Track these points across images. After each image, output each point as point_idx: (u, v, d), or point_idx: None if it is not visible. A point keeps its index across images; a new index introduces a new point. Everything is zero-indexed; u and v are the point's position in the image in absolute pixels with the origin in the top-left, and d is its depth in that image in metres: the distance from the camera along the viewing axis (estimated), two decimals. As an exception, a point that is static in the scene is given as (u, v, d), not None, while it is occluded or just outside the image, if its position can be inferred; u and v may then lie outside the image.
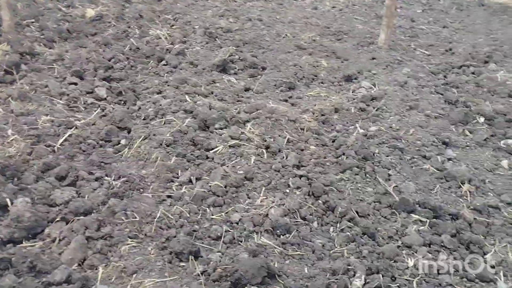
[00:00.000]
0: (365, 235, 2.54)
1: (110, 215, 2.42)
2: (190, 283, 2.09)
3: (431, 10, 7.32)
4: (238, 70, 4.56)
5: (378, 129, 3.58)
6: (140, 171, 2.89)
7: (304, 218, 2.65)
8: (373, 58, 5.03)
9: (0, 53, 3.97)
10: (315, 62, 4.89)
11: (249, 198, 2.77)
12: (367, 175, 3.06)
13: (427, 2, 7.70)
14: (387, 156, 3.25)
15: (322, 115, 3.79)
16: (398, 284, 2.19)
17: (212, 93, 3.98)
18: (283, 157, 3.14)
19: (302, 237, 2.52)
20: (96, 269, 2.14)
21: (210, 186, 2.79)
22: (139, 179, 2.79)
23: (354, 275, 2.21)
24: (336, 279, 2.19)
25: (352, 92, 4.23)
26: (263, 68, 4.67)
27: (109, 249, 2.25)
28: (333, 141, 3.42)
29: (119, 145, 3.18)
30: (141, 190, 2.72)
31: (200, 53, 4.80)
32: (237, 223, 2.56)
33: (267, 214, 2.61)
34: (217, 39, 5.17)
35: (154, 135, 3.22)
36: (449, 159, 3.27)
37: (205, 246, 2.38)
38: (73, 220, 2.37)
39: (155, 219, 2.46)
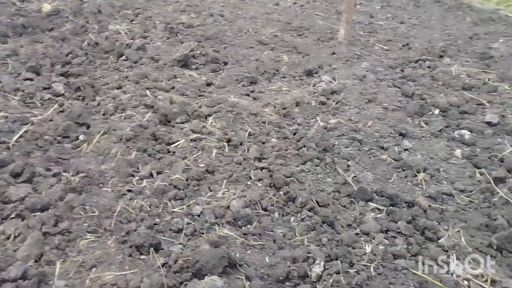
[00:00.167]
0: (325, 224, 2.59)
1: (68, 210, 2.38)
2: (150, 275, 2.08)
3: (389, 7, 7.50)
4: (200, 65, 4.55)
5: (338, 121, 3.65)
6: (100, 166, 2.85)
7: (265, 209, 2.68)
8: (333, 53, 5.11)
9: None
10: (277, 57, 4.94)
11: (210, 190, 2.77)
12: (327, 166, 3.12)
13: (386, -1, 7.90)
14: (346, 148, 3.32)
15: (284, 108, 3.83)
16: (356, 270, 2.25)
17: (173, 88, 3.96)
18: (245, 150, 3.17)
19: (264, 228, 2.55)
20: (54, 264, 2.10)
21: (171, 179, 2.78)
22: (99, 174, 2.75)
23: (313, 262, 2.26)
24: (296, 267, 2.23)
25: (313, 86, 4.29)
26: (225, 63, 4.68)
27: (67, 245, 2.22)
28: (294, 134, 3.47)
29: (78, 140, 3.12)
30: (101, 185, 2.68)
31: (161, 48, 4.76)
32: (199, 216, 2.56)
33: (228, 206, 2.62)
34: (178, 34, 5.14)
35: (114, 130, 3.18)
36: (406, 150, 3.37)
37: (166, 239, 2.38)
38: (29, 217, 2.32)
39: (115, 213, 2.44)
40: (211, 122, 3.42)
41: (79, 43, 4.48)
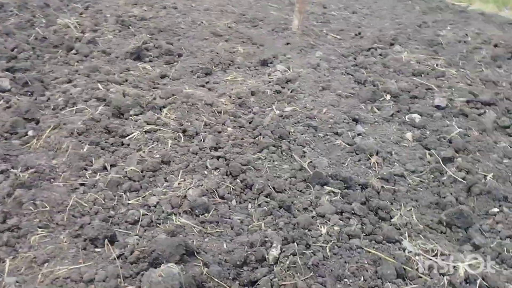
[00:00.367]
0: (282, 208, 2.62)
1: (16, 206, 2.30)
2: (106, 267, 2.05)
3: (342, -2, 7.63)
4: (154, 57, 4.49)
5: (293, 109, 3.68)
6: (50, 162, 2.77)
7: (222, 197, 2.68)
8: (288, 43, 5.16)
9: None
10: (232, 48, 4.93)
11: (166, 181, 2.75)
12: (283, 153, 3.15)
13: (338, -10, 8.02)
14: (302, 134, 3.37)
15: (239, 98, 3.83)
16: (312, 251, 2.29)
17: (126, 80, 3.89)
18: (201, 140, 3.15)
19: (221, 215, 2.55)
20: (3, 261, 2.03)
21: (125, 172, 2.74)
22: (49, 169, 2.67)
23: (271, 246, 2.28)
24: (253, 251, 2.24)
25: (268, 76, 4.31)
26: (179, 55, 4.63)
27: (16, 241, 2.14)
28: (250, 123, 3.48)
29: (27, 136, 3.01)
30: (52, 180, 2.61)
31: (113, 41, 4.66)
32: (155, 206, 2.54)
33: (185, 196, 2.61)
34: (130, 27, 5.05)
35: (64, 124, 3.09)
36: (359, 134, 3.45)
37: (122, 230, 2.34)
38: (-25, 215, 2.23)
39: (67, 208, 2.38)
40: (166, 114, 3.38)
41: (25, 37, 4.32)
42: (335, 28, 5.86)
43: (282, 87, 4.06)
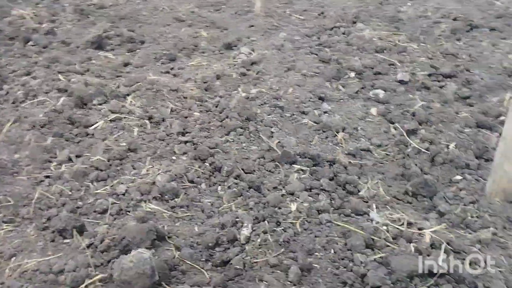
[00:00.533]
0: (251, 189, 2.64)
1: (-21, 203, 2.25)
2: (75, 257, 2.03)
3: (304, -22, 7.61)
4: (115, 45, 4.41)
5: (259, 91, 3.69)
6: (12, 156, 2.71)
7: (191, 181, 2.68)
8: (251, 26, 5.14)
9: None
10: (195, 33, 4.88)
11: (134, 168, 2.73)
12: (251, 134, 3.16)
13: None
14: (269, 115, 3.38)
15: (205, 82, 3.81)
16: (283, 228, 2.32)
17: (88, 70, 3.81)
18: (167, 126, 3.13)
19: (191, 199, 2.55)
20: (-32, 259, 1.99)
21: (91, 161, 2.70)
22: (12, 164, 2.62)
23: (242, 226, 2.30)
24: (225, 232, 2.26)
25: (233, 59, 4.29)
26: (142, 42, 4.56)
27: (-19, 237, 2.10)
28: (217, 106, 3.47)
29: (-14, 131, 2.94)
30: (15, 174, 2.56)
31: (72, 31, 4.55)
32: (124, 194, 2.52)
33: (154, 182, 2.60)
34: (89, 16, 4.94)
35: (25, 117, 3.02)
36: (325, 112, 3.48)
37: (91, 220, 2.32)
38: None
39: (33, 201, 2.34)
40: (131, 101, 3.34)
41: (-22, 30, 4.17)
42: (298, 9, 5.85)
43: (247, 70, 4.05)
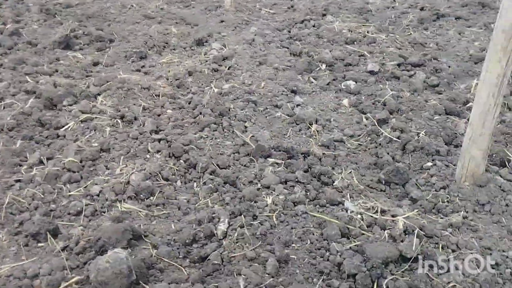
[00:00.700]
0: (227, 184, 2.64)
1: None
2: (50, 261, 2.00)
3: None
4: (84, 45, 4.34)
5: (231, 86, 3.69)
6: (-19, 161, 2.64)
7: (166, 179, 2.67)
8: (222, 21, 5.12)
9: None
10: (165, 30, 4.83)
11: (108, 169, 2.70)
12: (225, 129, 3.16)
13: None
14: (242, 110, 3.38)
15: (177, 79, 3.78)
16: (259, 221, 2.33)
17: (56, 71, 3.74)
18: (140, 125, 3.10)
19: (167, 197, 2.54)
20: None
21: (63, 163, 2.66)
22: (-20, 169, 2.56)
23: (218, 221, 2.30)
24: (202, 228, 2.26)
25: (204, 55, 4.28)
26: (111, 41, 4.50)
27: (-49, 245, 2.05)
28: (189, 103, 3.45)
29: (-48, 137, 2.86)
30: (-16, 179, 2.50)
31: (38, 31, 4.45)
32: (98, 195, 2.49)
33: (128, 181, 2.58)
34: (56, 15, 4.84)
35: (-8, 121, 2.95)
36: (298, 105, 3.51)
37: (65, 223, 2.29)
38: None
39: (4, 206, 2.29)
40: (101, 101, 3.29)
41: None
42: (268, 3, 5.86)
43: (219, 65, 4.04)
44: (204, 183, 2.65)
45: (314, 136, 3.16)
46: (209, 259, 2.11)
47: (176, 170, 2.74)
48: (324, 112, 3.45)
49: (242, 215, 2.35)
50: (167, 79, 3.80)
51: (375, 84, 3.80)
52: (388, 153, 2.97)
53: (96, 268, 1.86)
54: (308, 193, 2.59)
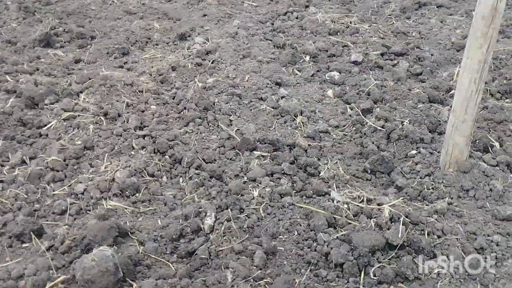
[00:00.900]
0: (213, 178, 2.63)
1: None
2: (35, 261, 1.97)
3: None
4: (65, 42, 4.29)
5: (215, 80, 3.67)
6: (-38, 162, 2.60)
7: (152, 175, 2.65)
8: (204, 15, 5.08)
9: None
10: (147, 25, 4.79)
11: (92, 167, 2.67)
12: (210, 124, 3.15)
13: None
14: (227, 103, 3.37)
15: (160, 75, 3.76)
16: (246, 214, 2.33)
17: (37, 69, 3.69)
18: (124, 121, 3.08)
19: (153, 193, 2.53)
20: None
21: (47, 162, 2.63)
22: (-38, 171, 2.52)
23: (205, 215, 2.30)
24: (189, 223, 2.25)
25: (187, 49, 4.25)
26: (92, 38, 4.44)
27: None
28: (173, 98, 3.43)
29: None
30: (-34, 182, 2.46)
31: (18, 30, 4.38)
32: (83, 194, 2.47)
33: (113, 179, 2.56)
34: (35, 13, 4.77)
35: (-27, 122, 2.90)
36: (283, 97, 3.50)
37: (50, 222, 2.27)
38: None
39: (-14, 207, 2.26)
40: (84, 98, 3.26)
41: None
42: (251, -4, 5.83)
43: (202, 59, 4.02)
44: (190, 178, 2.64)
45: (299, 128, 3.16)
46: (196, 254, 2.10)
47: (162, 165, 2.72)
48: (309, 104, 3.45)
49: (229, 209, 2.34)
50: (151, 75, 3.76)
51: (359, 74, 3.80)
52: (373, 142, 2.98)
53: (82, 267, 1.84)
54: (294, 185, 2.59)
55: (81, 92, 3.34)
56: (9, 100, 3.11)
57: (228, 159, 2.83)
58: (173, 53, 4.23)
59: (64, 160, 2.66)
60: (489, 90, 3.46)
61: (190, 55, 4.11)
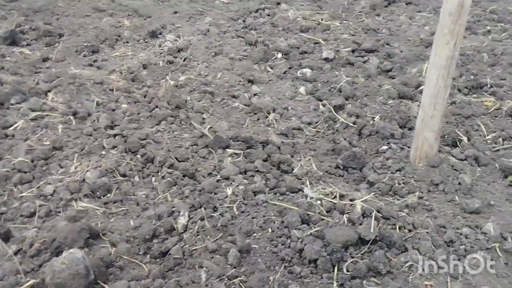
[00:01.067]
0: (186, 177, 2.61)
1: None
2: (2, 266, 1.92)
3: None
4: (31, 40, 4.17)
5: (187, 77, 3.64)
6: None
7: (124, 175, 2.61)
8: (175, 12, 5.04)
9: None
10: (117, 22, 4.71)
11: (61, 167, 2.62)
12: (182, 122, 3.12)
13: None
14: (199, 101, 3.35)
15: (131, 73, 3.70)
16: (220, 213, 2.32)
17: (2, 68, 3.58)
18: (94, 120, 3.02)
19: (125, 193, 2.49)
20: None
21: (13, 164, 2.56)
22: None
23: (178, 215, 2.28)
24: (162, 223, 2.23)
25: (159, 47, 4.20)
26: (60, 35, 4.34)
27: None
28: (145, 96, 3.38)
29: None
30: None
31: (-19, 27, 4.24)
32: (52, 195, 2.41)
33: (83, 179, 2.51)
34: (0, 10, 4.61)
35: None
36: (255, 94, 3.50)
37: (18, 225, 2.21)
38: None
39: (-50, 212, 2.19)
40: (52, 98, 3.18)
41: None
42: (222, -7, 5.81)
43: (174, 57, 3.98)
44: (163, 177, 2.61)
45: (272, 125, 3.17)
46: (170, 254, 2.08)
47: (133, 165, 2.68)
48: (282, 101, 3.46)
49: (202, 208, 2.33)
50: (121, 73, 3.71)
51: (330, 71, 3.83)
52: (345, 139, 3.01)
53: (52, 270, 1.80)
54: (268, 182, 2.59)
55: (49, 91, 3.26)
56: (-27, 100, 3.01)
57: (201, 157, 2.81)
58: (144, 51, 4.17)
59: (32, 161, 2.59)
60: (457, 85, 3.54)
61: (161, 53, 4.07)
